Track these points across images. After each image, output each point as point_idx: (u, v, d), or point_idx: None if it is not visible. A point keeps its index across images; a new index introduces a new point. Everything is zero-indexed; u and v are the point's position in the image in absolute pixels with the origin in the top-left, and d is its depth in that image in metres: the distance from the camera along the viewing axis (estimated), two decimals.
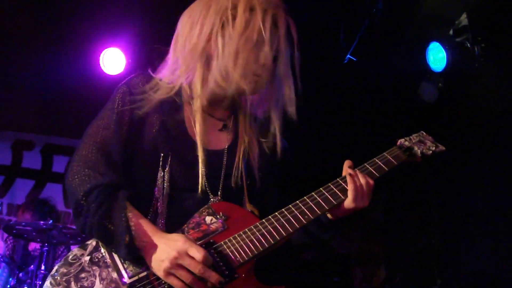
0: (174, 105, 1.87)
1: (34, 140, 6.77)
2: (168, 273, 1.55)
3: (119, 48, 5.08)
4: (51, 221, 4.41)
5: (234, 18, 1.78)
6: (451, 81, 4.39)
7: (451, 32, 4.27)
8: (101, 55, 5.08)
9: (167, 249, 1.56)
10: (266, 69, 1.82)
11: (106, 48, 5.07)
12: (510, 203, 4.68)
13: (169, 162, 1.77)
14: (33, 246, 5.06)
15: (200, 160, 1.79)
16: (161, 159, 1.78)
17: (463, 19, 4.22)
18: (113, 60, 5.10)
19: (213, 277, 1.56)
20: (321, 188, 1.82)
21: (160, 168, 1.77)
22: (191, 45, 1.81)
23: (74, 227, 4.48)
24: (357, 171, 1.84)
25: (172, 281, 1.56)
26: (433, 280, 5.18)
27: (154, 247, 1.58)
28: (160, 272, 1.57)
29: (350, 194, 1.78)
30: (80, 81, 5.28)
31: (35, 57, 5.27)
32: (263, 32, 1.77)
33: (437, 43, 4.28)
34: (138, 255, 1.60)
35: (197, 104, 1.86)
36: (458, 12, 4.22)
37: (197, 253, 1.55)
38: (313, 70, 4.58)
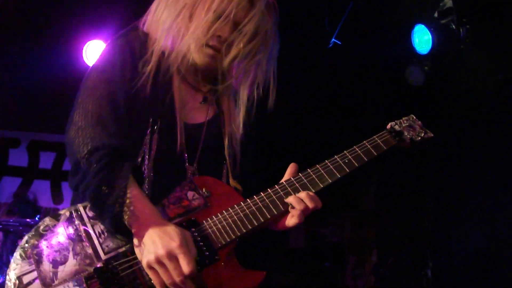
0: (166, 70, 1.79)
1: (20, 137, 6.70)
2: (150, 266, 1.46)
3: (103, 40, 5.00)
4: (38, 216, 4.37)
5: None
6: (437, 63, 4.37)
7: (436, 14, 4.26)
8: (84, 47, 4.99)
9: (159, 243, 1.44)
10: (222, 42, 1.76)
11: (89, 40, 4.99)
12: (501, 186, 4.69)
13: (157, 128, 1.71)
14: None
15: (178, 132, 1.73)
16: (150, 123, 1.71)
17: (448, 1, 4.20)
18: (96, 53, 5.02)
19: None
20: (300, 174, 1.74)
21: (148, 132, 1.71)
22: (166, 16, 1.78)
23: None
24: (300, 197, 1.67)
25: (152, 274, 1.47)
26: (426, 262, 5.19)
27: (147, 232, 1.47)
28: (143, 261, 1.48)
29: (296, 219, 1.66)
30: (63, 75, 5.19)
31: (17, 52, 5.18)
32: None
33: (422, 25, 4.26)
34: (122, 230, 1.50)
35: (177, 74, 1.80)
36: None
37: (186, 266, 1.43)
38: (297, 55, 4.56)
